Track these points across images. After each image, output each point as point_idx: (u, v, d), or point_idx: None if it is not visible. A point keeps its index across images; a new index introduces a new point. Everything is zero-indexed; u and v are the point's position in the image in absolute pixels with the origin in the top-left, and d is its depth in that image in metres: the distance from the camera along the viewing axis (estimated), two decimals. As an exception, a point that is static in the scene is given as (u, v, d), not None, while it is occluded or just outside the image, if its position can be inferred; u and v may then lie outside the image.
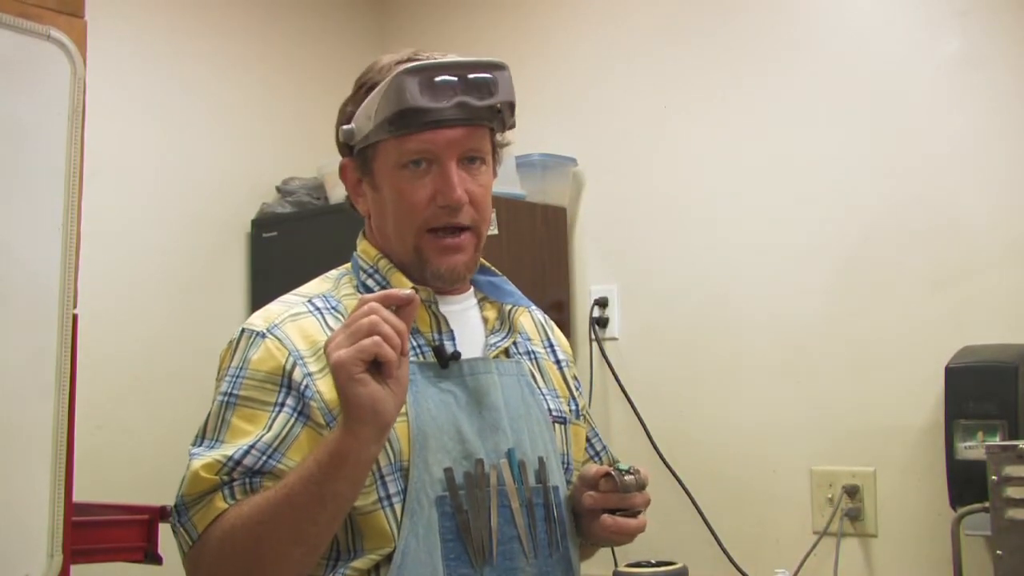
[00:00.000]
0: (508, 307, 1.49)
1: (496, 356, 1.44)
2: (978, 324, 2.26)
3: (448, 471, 1.32)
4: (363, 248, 1.46)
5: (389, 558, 1.29)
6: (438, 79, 1.31)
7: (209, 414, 1.36)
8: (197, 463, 1.31)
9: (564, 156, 2.84)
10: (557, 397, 1.51)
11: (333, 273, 1.49)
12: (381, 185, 1.39)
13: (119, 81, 2.76)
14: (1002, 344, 2.16)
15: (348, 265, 1.49)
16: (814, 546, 2.39)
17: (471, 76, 1.33)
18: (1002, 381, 2.05)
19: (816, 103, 2.53)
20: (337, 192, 2.91)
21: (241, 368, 1.34)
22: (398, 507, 1.30)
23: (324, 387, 1.31)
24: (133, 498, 2.30)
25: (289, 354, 1.33)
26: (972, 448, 2.04)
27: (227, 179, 3.02)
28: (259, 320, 1.39)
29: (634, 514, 1.41)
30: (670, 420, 2.66)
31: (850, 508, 2.38)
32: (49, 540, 1.57)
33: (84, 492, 1.81)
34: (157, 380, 2.80)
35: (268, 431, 1.30)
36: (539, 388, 1.48)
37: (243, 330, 1.38)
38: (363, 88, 1.40)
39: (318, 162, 3.03)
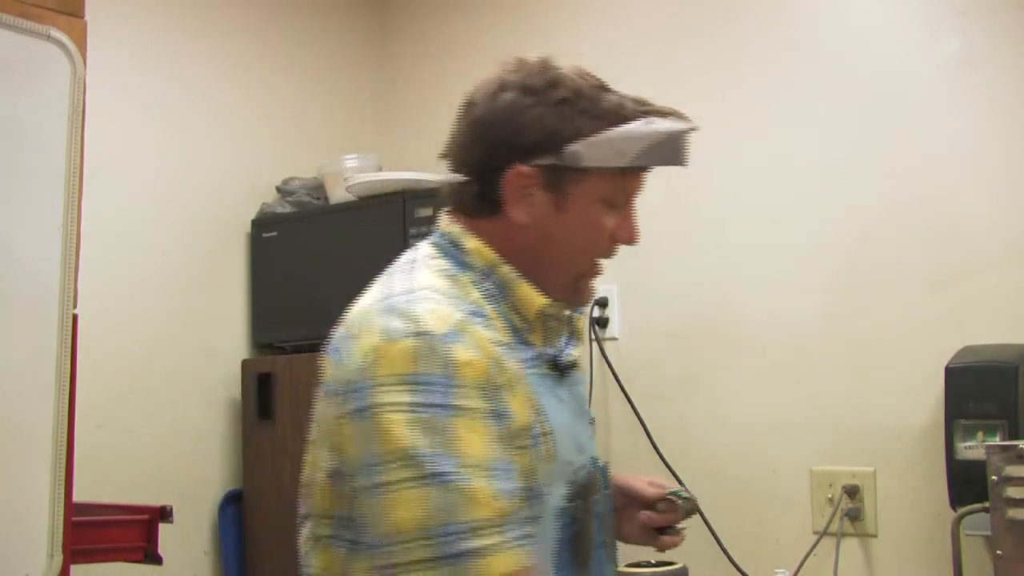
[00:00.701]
0: (568, 314, 1.45)
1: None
2: (978, 324, 2.26)
3: (571, 483, 1.31)
4: (475, 247, 1.35)
5: None
6: (687, 140, 1.40)
7: (416, 430, 1.17)
8: (463, 484, 1.14)
9: (564, 156, 2.84)
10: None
11: (435, 267, 1.35)
12: (570, 209, 1.34)
13: (119, 81, 2.76)
14: (1002, 344, 2.16)
15: (441, 259, 1.37)
16: (814, 546, 2.39)
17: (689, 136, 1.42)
18: (1002, 381, 2.05)
19: (816, 103, 2.52)
20: (337, 192, 2.91)
21: (445, 377, 1.19)
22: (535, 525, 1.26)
23: (515, 404, 1.24)
24: (133, 498, 2.31)
25: (486, 362, 1.22)
26: (972, 448, 2.04)
27: (227, 179, 3.02)
28: (436, 321, 1.22)
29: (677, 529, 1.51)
30: (670, 420, 2.65)
31: (850, 508, 2.38)
32: (49, 540, 1.57)
33: (84, 492, 1.81)
34: (157, 380, 2.80)
35: (498, 447, 1.20)
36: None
37: (425, 333, 1.20)
38: (574, 108, 1.34)
39: (318, 162, 3.03)
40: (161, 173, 2.88)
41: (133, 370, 2.75)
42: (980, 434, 2.04)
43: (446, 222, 1.40)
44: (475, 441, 1.17)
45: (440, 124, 3.53)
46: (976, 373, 2.08)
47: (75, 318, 1.64)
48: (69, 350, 1.63)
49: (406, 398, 1.17)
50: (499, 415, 1.21)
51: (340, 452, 1.24)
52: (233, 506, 2.91)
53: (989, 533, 1.86)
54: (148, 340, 2.80)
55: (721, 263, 2.64)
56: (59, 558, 1.60)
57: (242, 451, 2.93)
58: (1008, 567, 1.73)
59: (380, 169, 2.97)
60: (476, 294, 1.32)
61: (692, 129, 1.38)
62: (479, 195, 1.35)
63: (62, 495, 1.61)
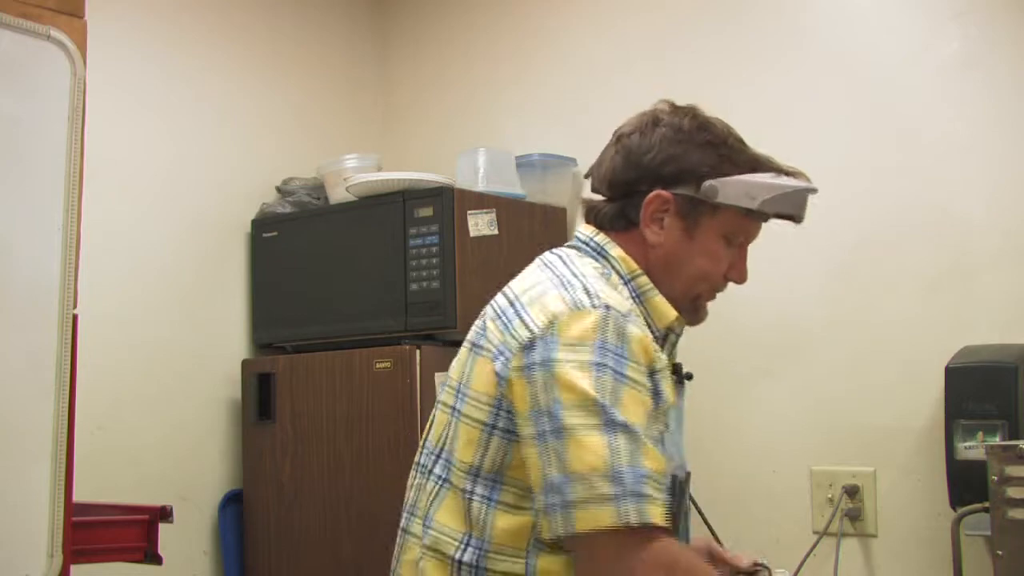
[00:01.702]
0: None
1: None
2: (978, 324, 2.26)
3: (674, 478, 1.43)
4: (620, 255, 1.51)
5: None
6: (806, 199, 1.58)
7: (603, 386, 1.32)
8: (645, 438, 1.30)
9: (564, 156, 2.84)
10: None
11: (589, 268, 1.48)
12: (698, 238, 1.52)
13: (119, 81, 2.76)
14: (1002, 344, 2.16)
15: (589, 261, 1.51)
16: (814, 546, 2.39)
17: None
18: (1002, 381, 2.05)
19: (816, 103, 2.52)
20: (337, 192, 2.91)
21: (621, 347, 1.35)
22: None
23: (667, 388, 1.41)
24: (133, 498, 2.31)
25: (652, 347, 1.40)
26: (972, 448, 2.04)
27: (227, 179, 3.02)
28: (616, 302, 1.40)
29: None
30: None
31: (850, 508, 2.39)
32: (49, 540, 1.57)
33: (84, 492, 1.81)
34: (157, 380, 2.81)
35: (652, 424, 1.35)
36: None
37: (609, 308, 1.37)
38: (717, 151, 1.51)
39: (318, 162, 3.03)
40: (161, 173, 2.88)
41: (133, 370, 2.75)
42: (980, 434, 2.05)
43: (589, 231, 1.55)
44: (637, 410, 1.32)
45: (440, 124, 3.53)
46: (976, 373, 2.08)
47: (75, 318, 1.64)
48: (69, 350, 1.63)
49: (589, 357, 1.33)
50: (655, 394, 1.37)
51: (504, 403, 1.38)
52: (233, 506, 2.91)
53: (989, 533, 1.86)
54: (148, 340, 2.80)
55: (721, 263, 2.64)
56: (59, 558, 1.59)
57: (242, 451, 2.93)
58: (1008, 567, 1.73)
59: (380, 169, 2.97)
60: (627, 293, 1.49)
61: (814, 190, 1.57)
62: (618, 213, 1.53)
63: (62, 495, 1.61)
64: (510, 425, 1.38)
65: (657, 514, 1.27)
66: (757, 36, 2.63)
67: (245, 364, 2.94)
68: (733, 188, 1.50)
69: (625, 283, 1.50)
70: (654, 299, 1.51)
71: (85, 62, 1.64)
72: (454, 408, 1.46)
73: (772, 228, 2.56)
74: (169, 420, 2.83)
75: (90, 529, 1.91)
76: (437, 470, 1.46)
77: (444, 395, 1.50)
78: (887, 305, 2.39)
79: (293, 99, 3.19)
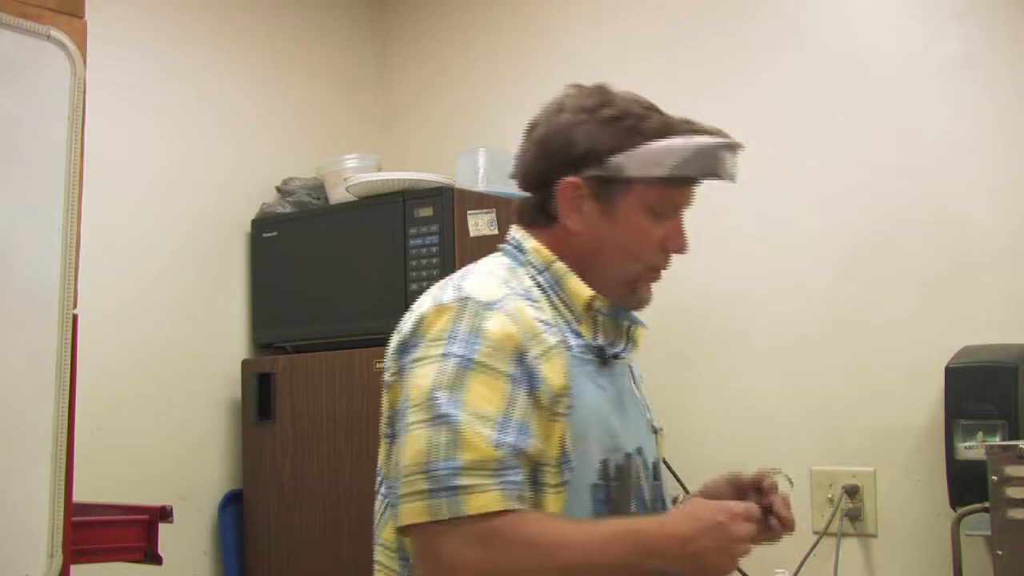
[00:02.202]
0: (626, 324, 1.58)
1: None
2: (978, 324, 2.26)
3: (604, 462, 1.41)
4: (534, 247, 1.50)
5: None
6: (732, 154, 1.53)
7: (444, 374, 1.33)
8: (466, 430, 1.29)
9: (564, 156, 2.84)
10: (649, 409, 1.64)
11: (496, 263, 1.51)
12: (618, 218, 1.47)
13: (119, 81, 2.76)
14: (1002, 344, 2.16)
15: (501, 257, 1.53)
16: (814, 546, 2.39)
17: (735, 153, 1.55)
18: (1002, 381, 2.05)
19: (816, 103, 2.52)
20: (337, 192, 2.91)
21: (473, 335, 1.35)
22: (564, 494, 1.37)
23: (549, 372, 1.37)
24: (133, 498, 2.31)
25: (521, 332, 1.37)
26: (972, 448, 2.04)
27: (227, 179, 3.02)
28: (480, 292, 1.40)
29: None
30: (670, 420, 2.63)
31: (850, 508, 2.38)
32: (49, 540, 1.57)
33: (84, 492, 1.81)
34: (157, 380, 2.80)
35: (513, 407, 1.33)
36: (643, 399, 1.61)
37: (467, 299, 1.38)
38: (621, 125, 1.47)
39: (318, 162, 3.03)
40: (161, 173, 2.88)
41: (133, 370, 2.75)
42: (980, 434, 2.05)
43: (513, 230, 1.54)
44: (487, 395, 1.31)
45: (440, 124, 3.53)
46: (976, 373, 2.08)
47: (75, 318, 1.64)
48: (69, 350, 1.63)
49: (438, 350, 1.34)
50: (524, 380, 1.34)
51: (392, 410, 1.40)
52: (233, 506, 2.91)
53: (989, 533, 1.86)
54: (148, 340, 2.80)
55: (720, 263, 2.64)
56: (59, 558, 1.60)
57: (242, 451, 2.93)
58: (1008, 567, 1.73)
59: (380, 169, 2.97)
60: (529, 283, 1.47)
61: (728, 144, 1.51)
62: (539, 207, 1.50)
63: (62, 495, 1.61)
64: (392, 428, 1.40)
65: (475, 503, 1.26)
66: (757, 36, 2.63)
67: (245, 364, 2.94)
68: (640, 159, 1.45)
69: (540, 272, 1.48)
70: (569, 282, 1.47)
71: (85, 62, 1.64)
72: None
73: (772, 228, 2.57)
74: (169, 420, 2.83)
75: (90, 529, 1.91)
76: (382, 489, 1.48)
77: None
78: (887, 305, 2.39)
79: (293, 99, 3.19)
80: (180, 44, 2.95)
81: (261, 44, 3.14)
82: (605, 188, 1.46)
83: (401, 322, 1.45)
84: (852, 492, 2.39)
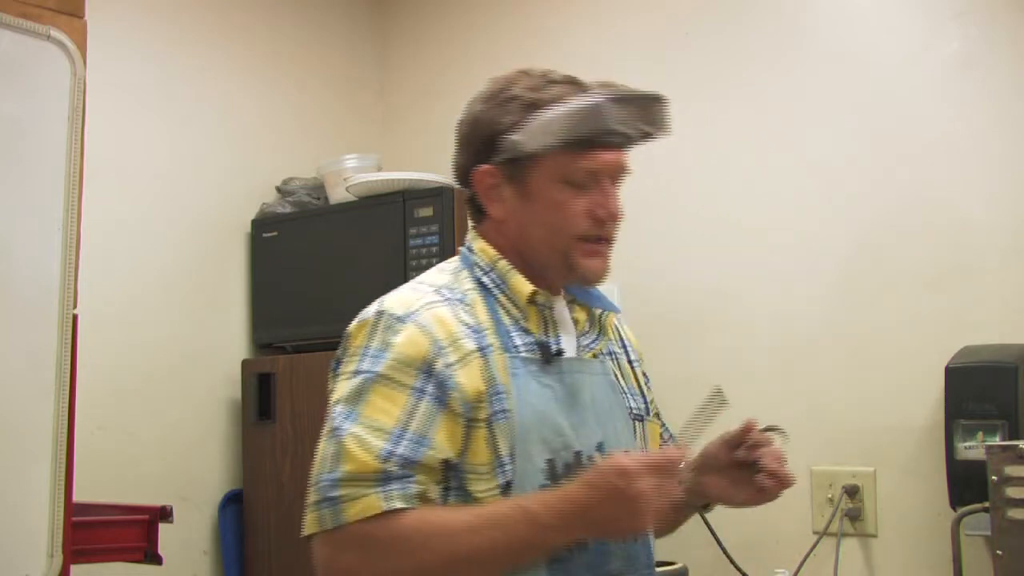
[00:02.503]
0: (598, 311, 1.58)
1: (588, 357, 1.53)
2: (978, 324, 2.26)
3: (550, 462, 1.40)
4: (480, 247, 1.51)
5: None
6: (633, 108, 1.47)
7: (347, 389, 1.37)
8: (351, 442, 1.31)
9: (564, 156, 2.84)
10: (635, 395, 1.62)
11: (446, 267, 1.52)
12: (534, 195, 1.46)
13: (119, 81, 2.76)
14: (1002, 344, 2.16)
15: (456, 260, 1.54)
16: (814, 546, 2.39)
17: (655, 109, 1.49)
18: (1002, 381, 2.05)
19: (816, 103, 2.52)
20: (337, 192, 2.91)
21: (382, 349, 1.37)
22: (505, 498, 1.37)
23: (464, 378, 1.37)
24: (133, 498, 2.31)
25: (431, 342, 1.37)
26: (972, 448, 2.04)
27: (227, 179, 3.02)
28: (397, 305, 1.41)
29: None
30: (670, 420, 2.64)
31: (850, 508, 2.38)
32: (49, 540, 1.57)
33: (84, 492, 1.81)
34: (157, 380, 2.80)
35: (411, 418, 1.34)
36: (621, 387, 1.58)
37: (381, 312, 1.41)
38: (517, 102, 1.45)
39: (318, 162, 3.03)
40: (161, 173, 2.88)
41: (133, 370, 2.75)
42: (980, 434, 2.05)
43: (469, 230, 1.56)
44: (386, 408, 1.33)
45: (440, 124, 3.52)
46: (976, 373, 2.08)
47: (75, 318, 1.64)
48: (69, 350, 1.63)
49: (351, 366, 1.39)
50: (436, 390, 1.35)
51: None
52: (233, 506, 2.91)
53: (989, 533, 1.86)
54: (148, 340, 2.80)
55: (720, 263, 2.64)
56: (59, 558, 1.60)
57: (242, 451, 2.93)
58: (1008, 567, 1.73)
59: (380, 169, 2.98)
60: (469, 285, 1.46)
61: (615, 97, 1.46)
62: (470, 203, 1.53)
63: (62, 495, 1.61)
64: None
65: (355, 510, 1.28)
66: (757, 36, 2.63)
67: (245, 364, 2.94)
68: (533, 132, 1.43)
69: (487, 273, 1.48)
70: (511, 280, 1.47)
71: (85, 62, 1.64)
72: None
73: (772, 228, 2.57)
74: (169, 420, 2.83)
75: (90, 529, 1.91)
76: None
77: None
78: (887, 305, 2.39)
79: (293, 99, 3.19)
80: (180, 44, 2.94)
81: (261, 44, 3.14)
82: (516, 170, 1.45)
83: None
84: (852, 492, 2.39)
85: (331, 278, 2.82)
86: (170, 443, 2.82)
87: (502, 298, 1.46)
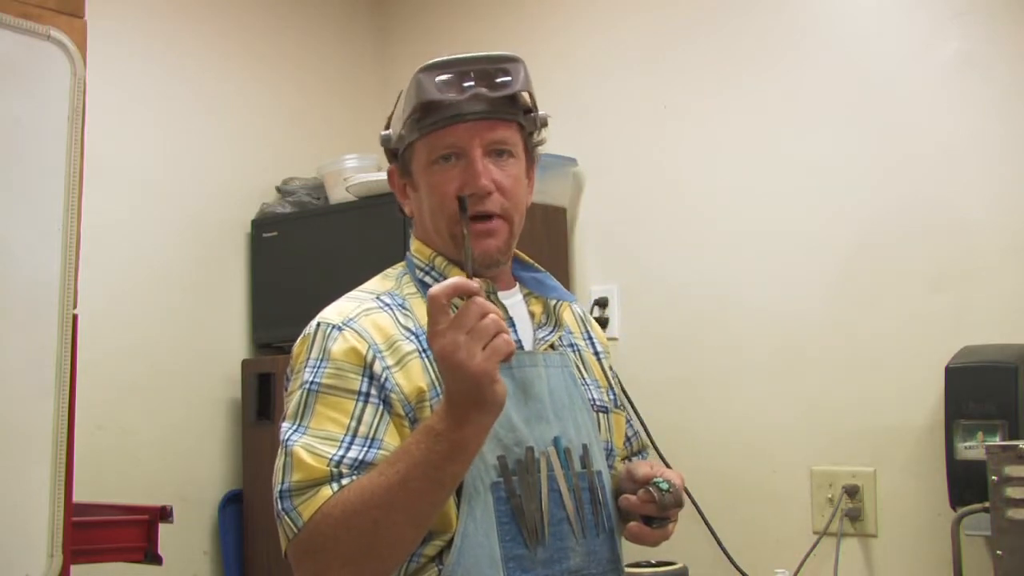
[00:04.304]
0: (553, 302, 1.58)
1: (544, 350, 1.52)
2: (978, 324, 2.26)
3: (501, 458, 1.40)
4: (416, 248, 1.53)
5: (451, 543, 1.37)
6: (451, 72, 1.43)
7: (293, 403, 1.42)
8: (301, 451, 1.35)
9: (564, 156, 2.84)
10: (599, 387, 1.60)
11: (392, 272, 1.56)
12: (419, 183, 1.49)
13: (119, 81, 2.76)
14: (1002, 344, 2.16)
15: (402, 265, 1.56)
16: (814, 546, 2.39)
17: (483, 68, 1.44)
18: (1002, 381, 2.05)
19: (816, 103, 2.52)
20: (337, 192, 2.91)
21: (321, 359, 1.40)
22: (459, 496, 1.37)
23: (402, 379, 1.39)
24: (133, 498, 2.31)
25: (368, 347, 1.39)
26: (972, 448, 2.04)
27: (227, 179, 3.02)
28: (334, 315, 1.45)
29: (665, 521, 1.50)
30: (670, 420, 2.65)
31: (850, 508, 2.38)
32: (49, 540, 1.57)
33: (84, 492, 1.82)
34: (157, 380, 2.81)
35: (359, 423, 1.36)
36: (583, 379, 1.56)
37: (319, 324, 1.45)
38: (399, 96, 1.50)
39: (318, 162, 3.03)
40: (161, 173, 2.88)
41: (133, 370, 2.75)
42: (980, 434, 2.05)
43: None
44: (331, 415, 1.36)
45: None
46: (976, 373, 2.08)
47: (75, 318, 1.64)
48: (69, 350, 1.63)
49: (298, 381, 1.42)
50: (379, 393, 1.37)
51: None
52: (233, 506, 2.91)
53: (989, 533, 1.86)
54: (148, 340, 2.80)
55: (721, 263, 2.64)
56: (59, 558, 1.60)
57: (242, 451, 2.93)
58: (1008, 567, 1.73)
59: (380, 169, 2.97)
60: (411, 288, 1.49)
61: (428, 66, 1.44)
62: (399, 207, 1.57)
63: (62, 495, 1.61)
64: None
65: (311, 509, 1.33)
66: (757, 37, 2.63)
67: (245, 364, 2.94)
68: (396, 122, 1.49)
69: (428, 272, 1.50)
70: (450, 273, 1.47)
71: (85, 62, 1.64)
72: None
73: (771, 228, 2.57)
74: (169, 420, 2.83)
75: (90, 529, 1.91)
76: None
77: None
78: (887, 305, 2.39)
79: (293, 99, 3.19)
80: (180, 44, 2.95)
81: (261, 44, 3.14)
82: (402, 165, 1.51)
83: None
84: (852, 492, 2.39)
85: (331, 278, 2.81)
86: (170, 443, 2.82)
87: None
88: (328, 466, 1.33)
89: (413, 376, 1.39)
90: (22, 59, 1.57)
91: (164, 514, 2.03)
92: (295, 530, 1.34)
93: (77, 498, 1.68)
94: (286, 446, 1.37)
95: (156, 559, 2.01)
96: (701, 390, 2.65)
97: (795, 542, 2.44)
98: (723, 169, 2.65)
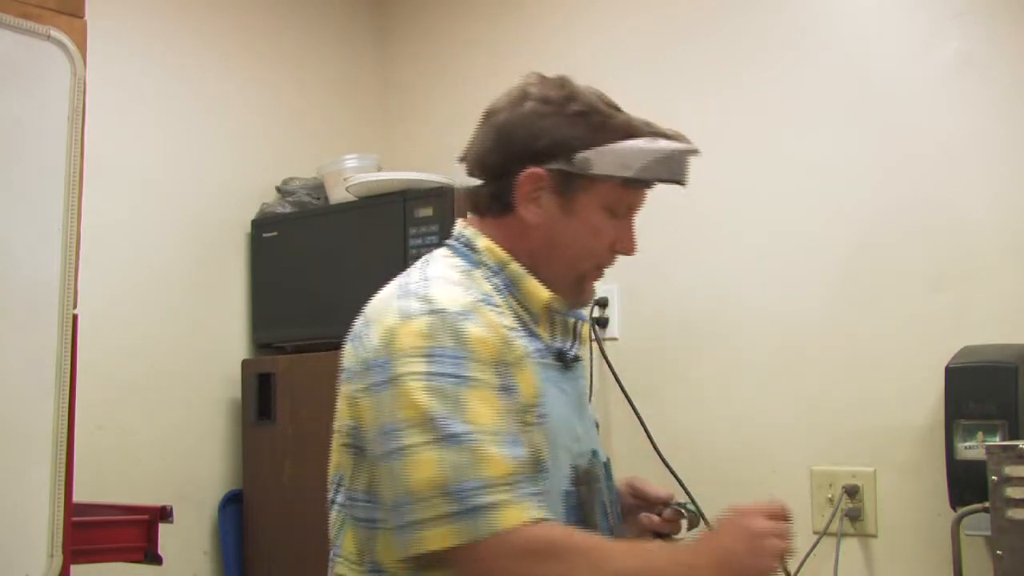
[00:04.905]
0: (572, 320, 1.55)
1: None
2: (978, 324, 2.26)
3: (574, 468, 1.41)
4: (486, 246, 1.47)
5: None
6: (688, 161, 1.52)
7: (433, 396, 1.28)
8: (480, 446, 1.25)
9: (564, 156, 2.84)
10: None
11: (453, 262, 1.46)
12: (577, 212, 1.45)
13: (119, 81, 2.76)
14: (1002, 344, 2.16)
15: (455, 257, 1.48)
16: (814, 546, 2.39)
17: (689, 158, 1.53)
18: (1002, 381, 2.05)
19: (816, 104, 2.52)
20: (337, 192, 2.91)
21: (457, 351, 1.30)
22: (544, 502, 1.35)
23: (521, 380, 1.35)
24: (133, 498, 2.31)
25: (499, 341, 1.34)
26: (972, 448, 2.04)
27: (227, 179, 3.02)
28: (450, 302, 1.34)
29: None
30: (670, 420, 2.65)
31: (850, 508, 2.38)
32: (49, 540, 1.57)
33: (84, 492, 1.82)
34: (157, 380, 2.80)
35: (507, 420, 1.31)
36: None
37: (441, 311, 1.32)
38: (585, 119, 1.46)
39: (318, 162, 3.03)
40: (161, 173, 2.88)
41: (133, 370, 2.75)
42: (980, 434, 2.04)
43: (461, 225, 1.52)
44: (483, 410, 1.28)
45: (440, 124, 3.52)
46: (976, 373, 2.08)
47: (75, 318, 1.64)
48: (69, 350, 1.63)
49: (422, 368, 1.29)
50: (508, 389, 1.32)
51: (359, 424, 1.36)
52: (233, 506, 2.91)
53: (989, 533, 1.86)
54: (148, 340, 2.80)
55: (721, 263, 2.64)
56: (59, 558, 1.60)
57: (242, 451, 2.93)
58: (1008, 567, 1.73)
59: (380, 169, 2.98)
60: (487, 286, 1.43)
61: (693, 151, 1.50)
62: (494, 196, 1.48)
63: (62, 495, 1.61)
64: (361, 443, 1.37)
65: (508, 517, 1.24)
66: (757, 36, 2.63)
67: (245, 364, 2.94)
68: (607, 157, 1.44)
69: (495, 274, 1.45)
70: (526, 284, 1.44)
71: (85, 62, 1.64)
72: (335, 432, 1.45)
73: (771, 228, 2.57)
74: (169, 420, 2.83)
75: (90, 529, 1.91)
76: (337, 499, 1.46)
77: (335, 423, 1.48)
78: (887, 305, 2.39)
79: (293, 99, 3.19)
80: (180, 44, 2.95)
81: (261, 44, 3.14)
82: (567, 183, 1.44)
83: (359, 330, 1.41)
84: (852, 492, 2.39)
85: (331, 278, 2.82)
86: (170, 443, 2.82)
87: (512, 302, 1.43)
88: (507, 464, 1.26)
89: (528, 378, 1.36)
90: (22, 59, 1.57)
91: (164, 514, 2.03)
92: (490, 532, 1.24)
93: (77, 498, 1.68)
94: (460, 439, 1.25)
95: (156, 559, 2.01)
96: (701, 390, 2.65)
97: (795, 542, 2.43)
98: (723, 169, 2.64)
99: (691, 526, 1.53)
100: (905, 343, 2.35)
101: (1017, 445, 1.75)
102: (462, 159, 1.55)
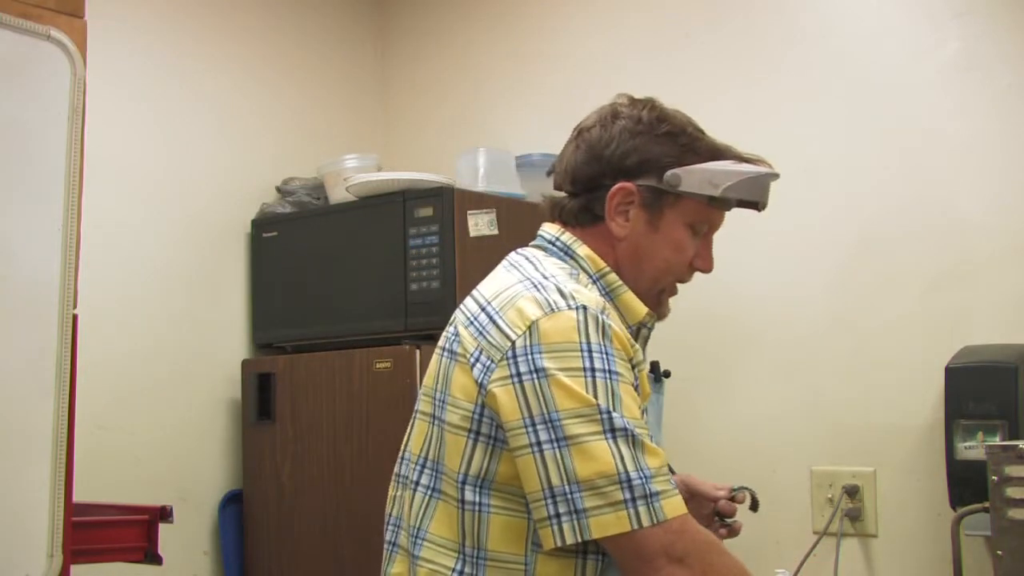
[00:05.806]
0: (645, 332, 1.61)
1: None
2: (978, 324, 2.26)
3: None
4: (587, 253, 1.52)
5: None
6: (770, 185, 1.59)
7: (599, 389, 1.33)
8: (643, 438, 1.33)
9: (564, 156, 2.84)
10: None
11: (554, 261, 1.51)
12: (663, 229, 1.52)
13: (119, 81, 2.76)
14: (1002, 344, 2.16)
15: (552, 259, 1.52)
16: (814, 546, 2.39)
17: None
18: (1002, 381, 2.05)
19: (816, 104, 2.53)
20: (337, 192, 2.91)
21: (606, 346, 1.36)
22: None
23: (641, 381, 1.43)
24: (133, 498, 2.31)
25: (628, 340, 1.41)
26: (972, 448, 2.04)
27: (227, 179, 3.02)
28: (589, 300, 1.40)
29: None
30: (670, 419, 2.64)
31: (850, 508, 2.39)
32: (49, 540, 1.56)
33: (84, 492, 1.81)
34: (157, 380, 2.81)
35: (642, 415, 1.38)
36: None
37: (585, 307, 1.37)
38: (674, 140, 1.52)
39: (318, 162, 3.03)
40: (161, 173, 2.88)
41: (133, 370, 2.75)
42: (980, 434, 2.05)
43: (554, 230, 1.55)
44: (631, 404, 1.35)
45: (440, 124, 3.52)
46: (976, 373, 2.08)
47: (75, 318, 1.64)
48: (69, 350, 1.62)
49: (579, 363, 1.34)
50: (636, 388, 1.39)
51: (492, 412, 1.36)
52: (233, 506, 2.91)
53: (989, 533, 1.86)
54: (148, 340, 2.80)
55: (721, 263, 2.63)
56: (59, 558, 1.59)
57: (242, 451, 2.93)
58: (1008, 567, 1.73)
59: (380, 169, 2.98)
60: (595, 292, 1.48)
61: (775, 175, 1.58)
62: (583, 207, 1.53)
63: (62, 495, 1.61)
64: (493, 431, 1.37)
65: (674, 506, 1.31)
66: (757, 36, 2.63)
67: (245, 364, 2.94)
68: (695, 176, 1.51)
69: (594, 282, 1.50)
70: (623, 296, 1.51)
71: (85, 62, 1.64)
72: (434, 416, 1.45)
73: (771, 228, 2.57)
74: (169, 420, 2.83)
75: (90, 529, 1.91)
76: (424, 480, 1.45)
77: (422, 404, 1.50)
78: (887, 305, 2.40)
79: (293, 99, 3.19)
80: (180, 44, 2.95)
81: (261, 44, 3.14)
82: (656, 199, 1.51)
83: (480, 317, 1.43)
84: (852, 492, 2.39)
85: (331, 278, 2.82)
86: (170, 443, 2.83)
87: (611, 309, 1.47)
88: (664, 456, 1.34)
89: (643, 381, 1.43)
90: (22, 59, 1.57)
91: (164, 514, 2.03)
92: (657, 520, 1.30)
93: (77, 498, 1.68)
94: (627, 431, 1.31)
95: (156, 559, 2.01)
96: (701, 390, 2.65)
97: (795, 542, 2.44)
98: (723, 169, 2.64)
99: (756, 504, 1.69)
100: (905, 343, 2.36)
101: (1017, 445, 1.75)
102: (549, 172, 1.62)
